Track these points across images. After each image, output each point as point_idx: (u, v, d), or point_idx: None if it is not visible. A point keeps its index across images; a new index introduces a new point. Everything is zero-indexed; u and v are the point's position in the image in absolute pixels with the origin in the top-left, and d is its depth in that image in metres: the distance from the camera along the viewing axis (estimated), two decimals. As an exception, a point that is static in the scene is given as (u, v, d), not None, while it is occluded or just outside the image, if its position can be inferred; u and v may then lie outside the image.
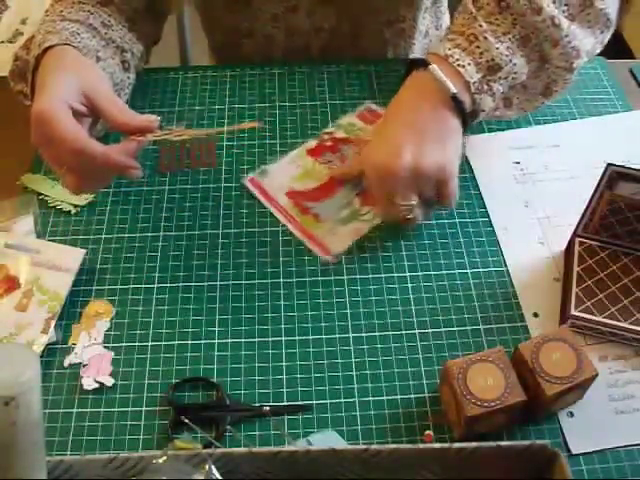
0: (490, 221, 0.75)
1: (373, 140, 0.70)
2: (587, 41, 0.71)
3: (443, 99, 0.66)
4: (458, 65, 0.66)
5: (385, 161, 0.65)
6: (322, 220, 0.75)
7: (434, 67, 0.66)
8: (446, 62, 0.66)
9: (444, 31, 1.01)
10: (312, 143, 0.82)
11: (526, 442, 0.50)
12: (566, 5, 0.69)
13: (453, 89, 0.66)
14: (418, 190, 0.67)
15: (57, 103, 0.60)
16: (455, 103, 0.66)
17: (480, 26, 0.67)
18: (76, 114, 0.62)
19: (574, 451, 0.59)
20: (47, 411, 0.61)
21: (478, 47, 0.67)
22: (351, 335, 0.66)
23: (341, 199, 0.77)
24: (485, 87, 0.67)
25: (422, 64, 0.68)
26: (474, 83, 0.66)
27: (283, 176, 0.78)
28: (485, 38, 0.67)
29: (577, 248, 0.70)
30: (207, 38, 1.05)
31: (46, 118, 0.59)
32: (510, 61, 0.67)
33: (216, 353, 0.65)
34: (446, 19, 1.04)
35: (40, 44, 0.69)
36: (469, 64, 0.66)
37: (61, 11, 0.75)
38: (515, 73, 0.68)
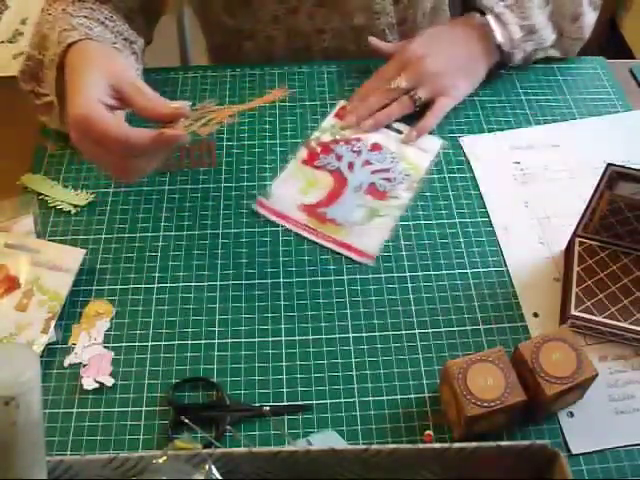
0: (490, 221, 0.75)
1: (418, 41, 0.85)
2: (592, 16, 0.89)
3: (488, 44, 0.84)
4: (507, 23, 0.83)
5: (423, 51, 0.82)
6: (340, 223, 0.74)
7: (490, 19, 0.83)
8: (498, 18, 0.83)
9: None
10: (303, 153, 0.81)
11: (526, 442, 0.50)
12: None
13: (500, 39, 0.84)
14: (422, 84, 0.82)
15: (92, 104, 0.61)
16: (498, 51, 0.85)
17: None
18: (110, 109, 0.63)
19: (574, 451, 0.59)
20: (47, 411, 0.61)
21: (522, 12, 0.83)
22: (351, 335, 0.66)
23: (350, 200, 0.77)
24: (521, 44, 0.85)
25: (478, 11, 0.84)
26: (512, 40, 0.84)
27: (289, 192, 0.77)
28: (530, 7, 0.84)
29: (577, 248, 0.70)
30: (205, 40, 1.04)
31: (85, 120, 0.60)
32: (544, 29, 0.85)
33: (216, 353, 0.65)
34: (447, 20, 1.04)
35: (60, 41, 0.68)
36: (514, 24, 0.83)
37: (64, 9, 0.75)
38: (543, 39, 0.86)
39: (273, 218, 0.75)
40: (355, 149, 0.81)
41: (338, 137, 0.83)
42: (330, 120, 0.85)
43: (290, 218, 0.75)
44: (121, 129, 0.60)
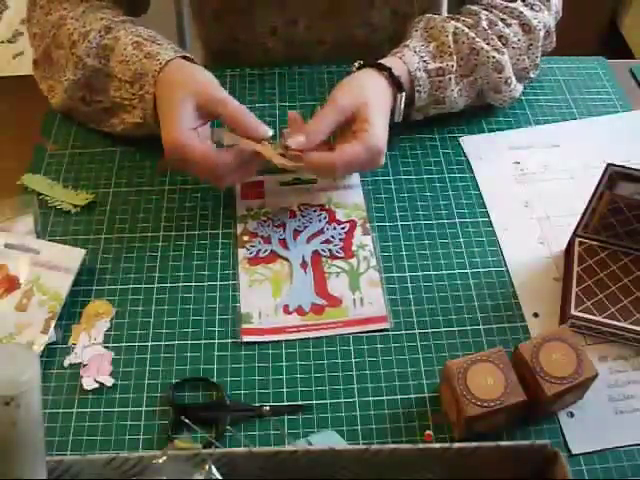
0: (490, 221, 0.75)
1: (376, 126, 0.71)
2: (519, 89, 0.84)
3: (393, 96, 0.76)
4: (417, 87, 0.77)
5: (381, 148, 0.71)
6: (337, 303, 0.68)
7: (399, 82, 0.75)
8: (410, 76, 0.76)
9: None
10: (243, 255, 0.72)
11: (526, 442, 0.50)
12: (520, 68, 0.82)
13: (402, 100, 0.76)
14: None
15: (185, 131, 0.68)
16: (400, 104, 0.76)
17: (452, 66, 0.77)
18: (201, 126, 0.70)
19: (574, 451, 0.59)
20: (47, 411, 0.61)
21: (441, 82, 0.78)
22: (351, 335, 0.66)
23: (301, 282, 0.70)
24: (423, 110, 0.81)
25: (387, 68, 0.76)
26: (418, 106, 0.79)
27: (264, 302, 0.68)
28: (449, 79, 0.78)
29: (577, 248, 0.70)
30: (202, 47, 1.04)
31: (178, 147, 0.67)
32: (456, 102, 0.80)
33: (216, 353, 0.65)
34: None
35: (149, 55, 0.73)
36: (425, 92, 0.78)
37: (83, 12, 0.77)
38: (452, 108, 0.82)
39: (268, 339, 0.66)
40: (277, 223, 0.74)
41: (262, 217, 0.75)
42: (241, 205, 0.77)
43: (285, 328, 0.67)
44: (210, 156, 0.68)
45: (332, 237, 0.74)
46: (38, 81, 0.81)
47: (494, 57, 0.78)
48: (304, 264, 0.71)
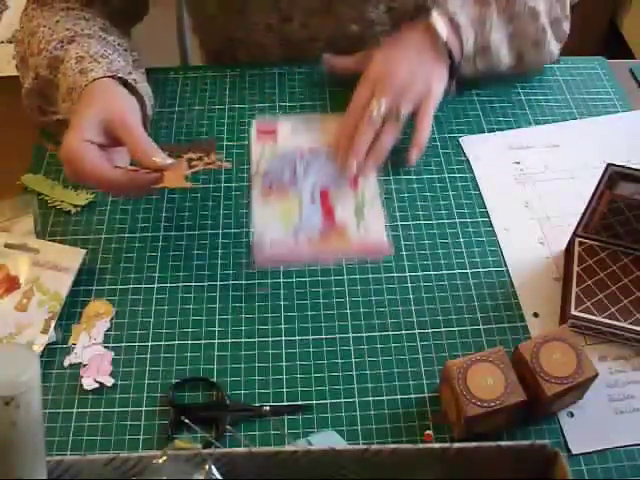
0: (490, 221, 0.75)
1: (382, 53, 0.81)
2: (555, 46, 0.87)
3: (439, 52, 0.81)
4: (463, 36, 0.80)
5: (388, 67, 0.79)
6: (340, 231, 0.73)
7: (443, 33, 0.80)
8: (456, 30, 0.80)
9: None
10: (257, 189, 0.77)
11: (526, 442, 0.50)
12: (553, 19, 0.85)
13: (454, 51, 0.80)
14: (400, 99, 0.77)
15: (79, 142, 0.65)
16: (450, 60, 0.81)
17: (492, 12, 0.81)
18: (106, 147, 0.68)
19: (574, 451, 0.59)
20: (47, 411, 0.61)
21: (483, 28, 0.81)
22: (351, 335, 0.66)
23: (310, 212, 0.75)
24: (471, 60, 0.82)
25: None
26: (466, 55, 0.81)
27: (276, 233, 0.73)
28: (491, 25, 0.81)
29: (577, 248, 0.70)
30: (200, 46, 1.04)
31: (72, 157, 0.66)
32: (500, 50, 0.82)
33: (216, 353, 0.65)
34: None
35: (82, 72, 0.71)
36: (470, 39, 0.81)
37: (57, 21, 0.77)
38: (499, 60, 0.84)
39: (280, 262, 0.72)
40: (288, 162, 0.79)
41: (274, 157, 0.80)
42: (256, 147, 0.81)
43: (295, 254, 0.72)
44: (102, 169, 0.66)
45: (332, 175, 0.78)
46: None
47: (529, 5, 0.81)
48: (312, 198, 0.76)
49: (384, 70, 0.79)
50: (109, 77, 0.71)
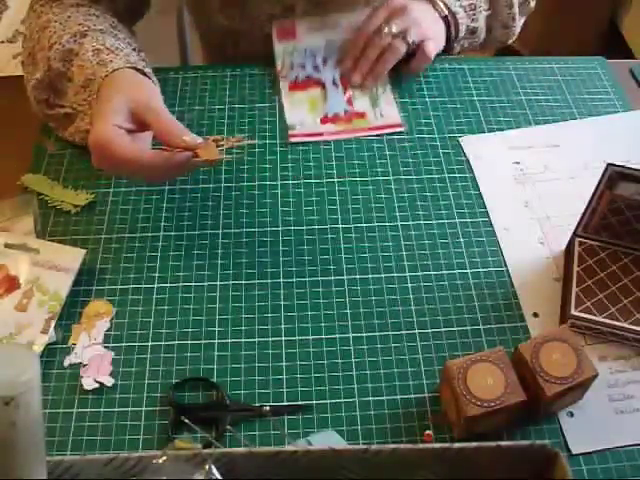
0: (490, 221, 0.75)
1: None
2: (519, 25, 1.00)
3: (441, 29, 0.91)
4: (458, 21, 0.91)
5: (404, 2, 0.88)
6: (361, 113, 0.85)
7: (444, 11, 0.90)
8: (453, 16, 0.90)
9: None
10: (285, 84, 0.89)
11: (526, 442, 0.50)
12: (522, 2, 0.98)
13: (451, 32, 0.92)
14: (410, 27, 0.86)
15: (110, 128, 0.65)
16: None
17: (481, 1, 0.92)
18: (132, 132, 0.67)
19: (574, 451, 0.59)
20: (47, 411, 0.61)
21: (474, 15, 0.92)
22: (351, 335, 0.66)
23: (334, 93, 0.87)
24: (461, 41, 0.94)
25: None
26: (458, 37, 0.92)
27: (304, 117, 0.85)
28: (480, 12, 0.92)
29: (577, 248, 0.70)
30: (200, 39, 1.04)
31: (103, 144, 0.65)
32: (482, 31, 0.95)
33: (216, 353, 0.65)
34: None
35: (101, 63, 0.72)
36: (463, 25, 0.91)
37: (68, 16, 0.77)
38: (478, 38, 0.96)
39: (309, 139, 0.83)
40: (309, 54, 0.90)
41: (295, 55, 0.90)
42: (278, 45, 0.91)
43: (323, 133, 0.84)
44: (135, 152, 0.65)
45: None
46: (25, 82, 0.81)
47: None
48: (335, 83, 0.88)
49: (401, 3, 0.87)
50: (129, 68, 0.73)
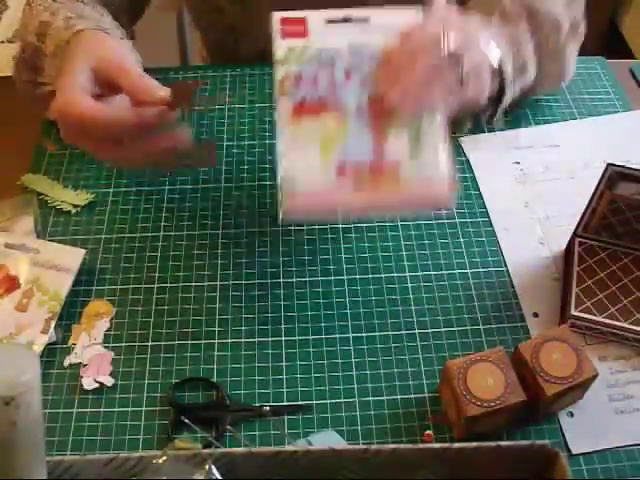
0: (490, 221, 0.75)
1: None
2: (574, 55, 0.82)
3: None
4: (500, 61, 0.67)
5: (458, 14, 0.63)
6: (393, 168, 0.57)
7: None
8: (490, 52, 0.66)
9: None
10: (286, 105, 0.59)
11: (526, 442, 0.50)
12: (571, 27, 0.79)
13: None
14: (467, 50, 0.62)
15: (70, 90, 0.58)
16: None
17: (522, 30, 0.72)
18: (99, 96, 0.60)
19: (574, 451, 0.59)
20: (47, 411, 0.61)
21: (518, 50, 0.72)
22: (351, 335, 0.66)
23: (358, 131, 0.58)
24: (512, 87, 0.72)
25: None
26: (508, 80, 0.71)
27: (312, 165, 0.57)
28: (524, 42, 0.72)
29: (577, 248, 0.70)
30: (201, 37, 1.04)
31: (67, 108, 0.58)
32: (532, 68, 0.75)
33: (216, 353, 0.65)
34: None
35: (68, 27, 0.66)
36: (509, 61, 0.69)
37: (54, 0, 0.73)
38: (530, 78, 0.75)
39: (318, 208, 0.57)
40: (325, 64, 0.61)
41: (304, 59, 0.61)
42: (281, 45, 0.64)
43: (337, 194, 0.56)
44: (98, 111, 0.58)
45: None
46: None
47: (553, 13, 0.74)
48: (360, 112, 0.58)
49: (455, 12, 0.63)
50: (99, 30, 0.66)
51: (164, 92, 0.59)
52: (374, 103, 0.58)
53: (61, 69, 0.62)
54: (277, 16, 0.66)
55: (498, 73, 0.68)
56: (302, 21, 0.64)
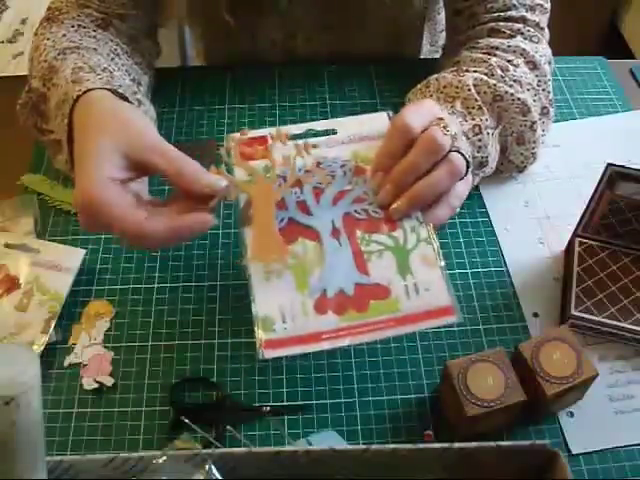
0: (490, 221, 0.75)
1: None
2: (540, 142, 0.76)
3: None
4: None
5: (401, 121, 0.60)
6: (384, 295, 0.53)
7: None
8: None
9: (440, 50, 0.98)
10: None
11: (526, 442, 0.50)
12: (541, 111, 0.75)
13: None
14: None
15: (104, 184, 0.53)
16: None
17: (486, 120, 0.68)
18: (126, 182, 0.56)
19: (574, 451, 0.59)
20: (47, 411, 0.61)
21: (480, 140, 0.67)
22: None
23: (336, 257, 0.55)
24: (470, 177, 0.67)
25: None
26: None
27: (289, 300, 0.54)
28: (487, 134, 0.68)
29: (577, 248, 0.70)
30: (205, 59, 1.03)
31: (93, 204, 0.53)
32: (493, 159, 0.71)
33: (216, 353, 0.65)
34: (442, 35, 1.03)
35: (76, 81, 0.62)
36: (470, 157, 0.65)
37: (64, 34, 0.72)
38: (491, 168, 0.72)
39: (300, 351, 0.52)
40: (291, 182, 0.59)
41: (270, 181, 0.59)
42: (241, 168, 0.61)
43: (321, 334, 0.52)
44: (135, 218, 0.53)
45: (365, 193, 0.58)
46: None
47: (519, 98, 0.70)
48: (335, 231, 0.56)
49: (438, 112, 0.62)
50: (107, 90, 0.62)
51: (212, 180, 0.56)
52: (351, 221, 0.56)
53: (78, 148, 0.58)
54: (235, 137, 0.62)
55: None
56: (263, 140, 0.61)
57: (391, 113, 0.61)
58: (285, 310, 0.53)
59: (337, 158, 0.60)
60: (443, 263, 0.55)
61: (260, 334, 0.52)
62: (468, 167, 0.61)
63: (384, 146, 0.59)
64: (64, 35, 0.72)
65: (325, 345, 0.52)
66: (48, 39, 0.72)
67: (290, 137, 0.61)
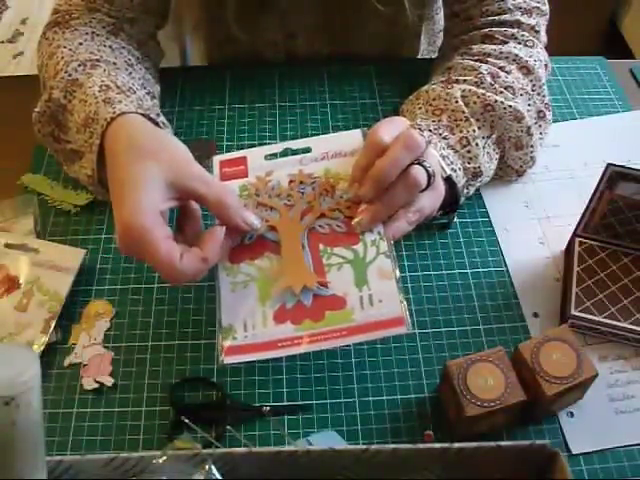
0: (490, 221, 0.75)
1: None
2: (539, 145, 0.77)
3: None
4: (451, 169, 0.67)
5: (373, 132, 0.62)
6: (338, 306, 0.57)
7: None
8: (441, 161, 0.66)
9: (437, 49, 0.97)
10: (226, 249, 0.60)
11: (526, 442, 0.50)
12: (537, 115, 0.75)
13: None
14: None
15: (148, 215, 0.54)
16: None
17: (473, 131, 0.70)
18: (168, 209, 0.58)
19: (574, 451, 0.59)
20: (47, 411, 0.61)
21: (469, 152, 0.69)
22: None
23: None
24: (465, 191, 0.71)
25: None
26: (460, 187, 0.69)
27: (251, 311, 0.58)
28: (476, 145, 0.70)
29: (577, 248, 0.70)
30: (205, 59, 1.03)
31: (139, 234, 0.54)
32: (489, 168, 0.73)
33: (216, 353, 0.65)
34: (441, 36, 1.03)
35: (107, 101, 0.63)
36: (459, 169, 0.69)
37: (80, 44, 0.71)
38: (488, 176, 0.74)
39: (256, 357, 0.56)
40: (261, 201, 0.63)
41: (245, 200, 0.63)
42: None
43: (277, 342, 0.56)
44: (172, 255, 0.54)
45: (330, 209, 0.61)
46: None
47: (510, 106, 0.71)
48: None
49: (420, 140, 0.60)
50: (140, 114, 0.63)
51: (252, 220, 0.59)
52: (315, 236, 0.60)
53: (124, 172, 0.57)
54: (216, 160, 0.66)
55: (451, 184, 0.66)
56: (242, 161, 0.65)
57: (366, 130, 0.64)
58: (247, 321, 0.57)
59: (310, 175, 0.63)
60: (399, 275, 0.57)
61: (222, 341, 0.57)
62: (430, 179, 0.61)
63: (359, 160, 0.61)
64: (81, 44, 0.72)
65: (280, 352, 0.56)
66: (65, 47, 0.71)
67: (267, 156, 0.65)
